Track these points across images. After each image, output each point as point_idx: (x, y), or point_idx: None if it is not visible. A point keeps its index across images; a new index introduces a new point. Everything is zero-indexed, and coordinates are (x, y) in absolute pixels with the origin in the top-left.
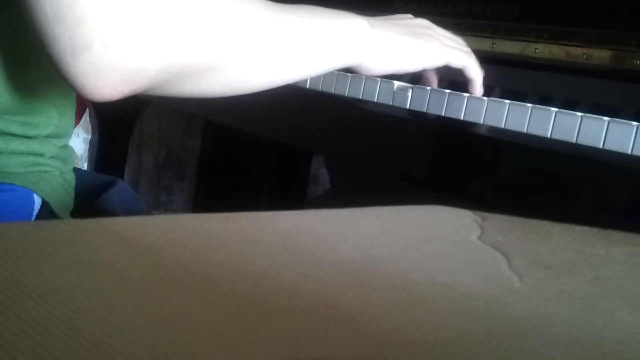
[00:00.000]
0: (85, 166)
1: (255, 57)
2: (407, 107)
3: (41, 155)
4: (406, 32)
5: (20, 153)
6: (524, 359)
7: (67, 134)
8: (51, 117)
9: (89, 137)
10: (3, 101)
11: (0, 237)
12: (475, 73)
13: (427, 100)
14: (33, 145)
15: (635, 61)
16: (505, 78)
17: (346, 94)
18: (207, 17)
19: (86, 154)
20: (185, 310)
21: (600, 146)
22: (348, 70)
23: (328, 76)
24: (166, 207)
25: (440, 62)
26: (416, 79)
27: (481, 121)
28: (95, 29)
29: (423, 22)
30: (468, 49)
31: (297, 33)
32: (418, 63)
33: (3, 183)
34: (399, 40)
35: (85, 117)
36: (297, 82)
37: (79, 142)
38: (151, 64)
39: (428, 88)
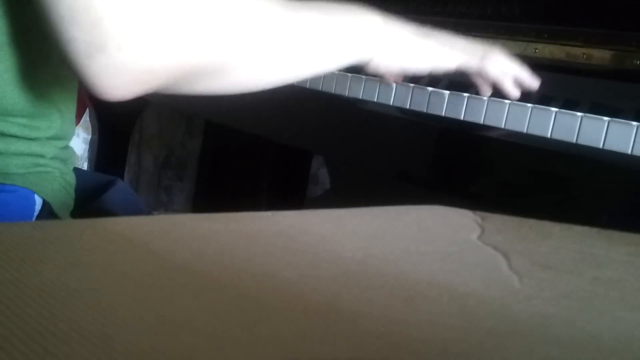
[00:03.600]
0: (85, 166)
1: (266, 56)
2: (407, 107)
3: (42, 156)
4: (419, 33)
5: (21, 154)
6: (524, 359)
7: (69, 136)
8: (54, 120)
9: (89, 137)
10: (7, 103)
11: (0, 237)
12: (494, 73)
13: (427, 100)
14: (34, 147)
15: (635, 61)
16: None
17: (346, 94)
18: (217, 18)
19: (86, 154)
20: (185, 310)
21: (600, 146)
22: (353, 69)
23: (328, 76)
24: (166, 207)
25: (449, 64)
26: (434, 81)
27: (481, 121)
28: (110, 32)
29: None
30: (489, 52)
31: (308, 30)
32: (426, 63)
33: (4, 184)
34: (411, 39)
35: (85, 117)
36: (297, 82)
37: (79, 142)
38: (162, 64)
39: (428, 88)
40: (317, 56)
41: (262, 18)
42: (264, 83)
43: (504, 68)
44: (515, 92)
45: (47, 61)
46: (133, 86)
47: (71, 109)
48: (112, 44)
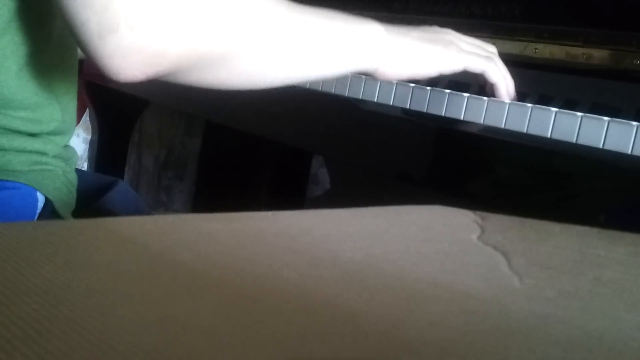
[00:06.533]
0: (85, 166)
1: (271, 51)
2: (407, 107)
3: (44, 154)
4: (423, 38)
5: (24, 151)
6: (524, 359)
7: (70, 132)
8: (54, 112)
9: (89, 137)
10: (8, 92)
11: (0, 236)
12: (496, 77)
13: (427, 100)
14: (36, 144)
15: (635, 61)
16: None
17: (346, 94)
18: (228, 7)
19: (86, 154)
20: (185, 310)
21: (600, 146)
22: (362, 73)
23: None
24: (166, 207)
25: (456, 66)
26: (433, 82)
27: (481, 121)
28: (121, 13)
29: (445, 30)
30: (492, 54)
31: (312, 32)
32: (433, 68)
33: (7, 181)
34: (415, 46)
35: (85, 117)
36: (301, 83)
37: (79, 142)
38: (173, 47)
39: (428, 88)
40: (320, 59)
41: (268, 15)
42: (269, 80)
43: (504, 73)
44: (507, 99)
45: (46, 48)
46: (143, 67)
47: (71, 100)
48: (124, 25)
